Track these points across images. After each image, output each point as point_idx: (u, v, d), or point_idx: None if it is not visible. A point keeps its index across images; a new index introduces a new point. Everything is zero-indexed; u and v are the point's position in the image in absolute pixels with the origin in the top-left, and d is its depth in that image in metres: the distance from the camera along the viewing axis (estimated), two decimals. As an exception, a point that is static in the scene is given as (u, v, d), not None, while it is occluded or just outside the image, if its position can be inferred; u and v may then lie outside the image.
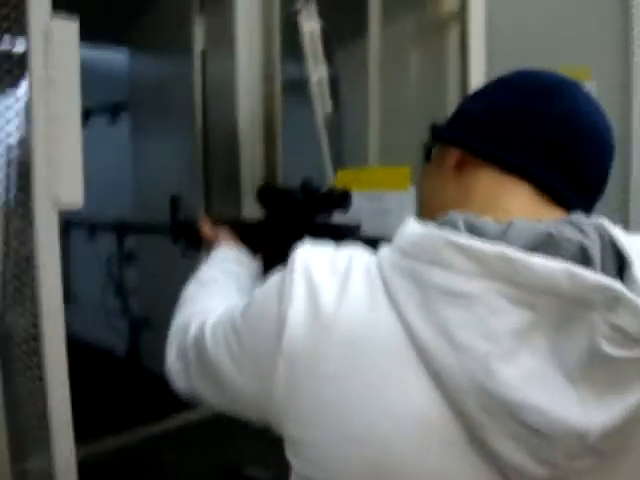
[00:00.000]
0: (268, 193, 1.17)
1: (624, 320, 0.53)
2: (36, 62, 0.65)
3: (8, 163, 0.82)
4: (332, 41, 1.83)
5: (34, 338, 0.81)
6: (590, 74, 1.58)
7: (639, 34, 1.51)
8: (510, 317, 0.55)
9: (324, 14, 1.84)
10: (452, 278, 0.56)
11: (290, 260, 0.66)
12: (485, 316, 0.55)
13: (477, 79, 1.42)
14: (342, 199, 1.09)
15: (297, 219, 1.10)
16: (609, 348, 0.54)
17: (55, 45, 0.65)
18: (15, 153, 0.81)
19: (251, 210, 1.55)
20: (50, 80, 0.65)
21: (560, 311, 0.55)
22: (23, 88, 0.73)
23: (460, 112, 0.77)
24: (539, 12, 1.62)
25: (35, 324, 0.79)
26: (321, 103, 1.76)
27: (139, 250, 2.54)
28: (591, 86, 1.59)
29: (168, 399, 1.67)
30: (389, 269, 0.60)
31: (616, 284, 0.54)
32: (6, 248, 0.82)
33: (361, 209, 1.63)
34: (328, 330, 0.60)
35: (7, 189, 0.83)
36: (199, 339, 0.75)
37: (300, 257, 0.65)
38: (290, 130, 1.93)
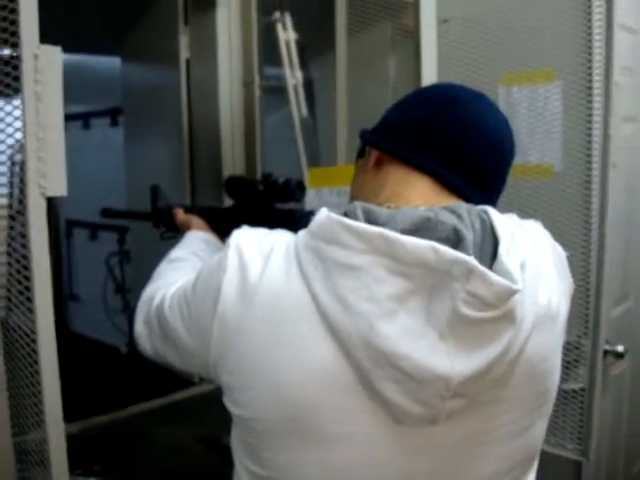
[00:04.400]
0: (233, 183, 1.32)
1: (477, 288, 0.65)
2: (27, 79, 0.79)
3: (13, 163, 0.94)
4: (307, 49, 1.96)
5: (32, 330, 0.90)
6: (554, 76, 1.69)
7: (599, 35, 1.59)
8: (389, 284, 0.67)
9: (302, 24, 1.97)
10: (345, 254, 0.68)
11: (227, 240, 0.79)
12: (370, 284, 0.67)
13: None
14: (297, 189, 1.23)
15: (258, 206, 1.25)
16: (467, 310, 0.66)
17: (43, 66, 0.79)
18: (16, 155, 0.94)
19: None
20: (39, 94, 0.79)
21: (431, 280, 0.67)
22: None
23: (382, 119, 0.90)
24: (501, 15, 1.70)
25: (32, 319, 0.89)
26: (297, 107, 1.90)
27: (133, 248, 2.68)
28: (557, 87, 1.71)
29: (161, 382, 1.81)
30: (302, 247, 0.73)
31: (470, 259, 0.65)
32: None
33: (331, 203, 1.77)
34: (252, 297, 0.73)
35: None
36: (160, 308, 0.87)
37: (235, 238, 0.78)
38: (270, 131, 2.06)
